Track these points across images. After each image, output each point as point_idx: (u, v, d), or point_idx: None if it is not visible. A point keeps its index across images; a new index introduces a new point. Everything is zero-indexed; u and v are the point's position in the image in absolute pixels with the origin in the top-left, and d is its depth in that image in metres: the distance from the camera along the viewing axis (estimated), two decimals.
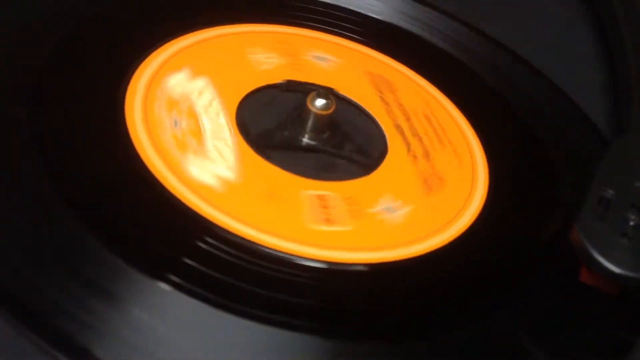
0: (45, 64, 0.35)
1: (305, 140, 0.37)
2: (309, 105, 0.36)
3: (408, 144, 0.37)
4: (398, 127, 0.38)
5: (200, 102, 0.36)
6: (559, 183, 0.38)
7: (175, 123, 0.34)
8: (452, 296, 0.31)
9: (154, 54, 0.37)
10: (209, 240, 0.30)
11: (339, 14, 0.44)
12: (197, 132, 0.34)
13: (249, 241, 0.30)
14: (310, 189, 0.33)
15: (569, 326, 0.31)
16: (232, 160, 0.34)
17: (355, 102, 0.39)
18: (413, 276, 0.31)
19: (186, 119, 0.35)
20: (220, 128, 0.35)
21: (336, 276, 0.30)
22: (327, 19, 0.43)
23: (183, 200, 0.31)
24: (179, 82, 0.37)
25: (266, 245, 0.30)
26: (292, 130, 0.37)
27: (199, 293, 0.27)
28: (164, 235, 0.30)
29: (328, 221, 0.32)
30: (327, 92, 0.37)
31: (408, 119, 0.39)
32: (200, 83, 0.37)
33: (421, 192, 0.35)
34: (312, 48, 0.41)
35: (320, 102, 0.36)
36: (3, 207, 0.28)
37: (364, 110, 0.39)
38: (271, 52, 0.40)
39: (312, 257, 0.30)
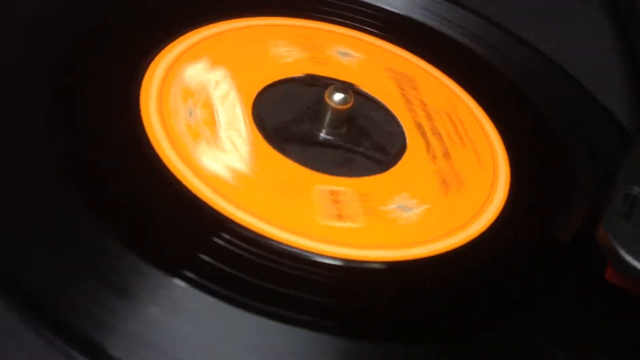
0: (64, 55, 0.34)
1: (322, 135, 0.36)
2: (327, 99, 0.36)
3: (428, 143, 0.37)
4: (419, 125, 0.37)
5: (217, 93, 0.36)
6: (581, 181, 0.38)
7: (190, 113, 0.34)
8: (471, 297, 0.31)
9: (172, 44, 0.37)
10: (224, 236, 0.29)
11: (360, 8, 0.44)
12: (212, 123, 0.34)
13: (264, 237, 0.30)
14: (324, 184, 0.33)
15: (593, 327, 0.30)
16: (246, 152, 0.33)
17: (376, 98, 0.39)
18: (432, 275, 0.31)
19: (201, 109, 0.34)
20: (236, 119, 0.35)
21: (353, 274, 0.30)
22: (348, 13, 0.43)
23: (199, 195, 0.30)
24: (196, 72, 0.36)
25: (282, 241, 0.30)
26: (309, 124, 0.36)
27: (214, 290, 0.27)
28: (178, 231, 0.29)
29: (340, 217, 0.32)
30: (346, 86, 0.37)
31: (429, 117, 0.38)
32: (219, 74, 0.37)
33: (439, 191, 0.34)
34: (335, 43, 0.41)
35: (338, 96, 0.36)
36: (18, 202, 0.28)
37: (384, 106, 0.38)
38: (293, 46, 0.40)
39: (329, 255, 0.30)
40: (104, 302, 0.26)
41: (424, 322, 0.29)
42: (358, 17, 0.43)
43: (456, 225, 0.33)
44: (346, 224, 0.31)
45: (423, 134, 0.37)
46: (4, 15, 0.35)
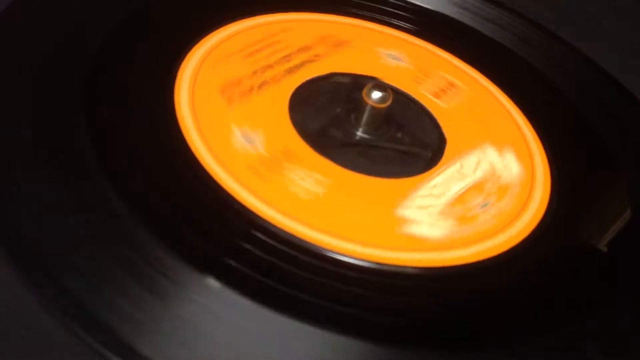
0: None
1: (357, 132, 0.35)
2: (364, 97, 0.35)
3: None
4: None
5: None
6: (627, 187, 0.36)
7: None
8: (511, 306, 0.30)
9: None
10: (257, 235, 0.29)
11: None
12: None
13: (297, 237, 0.29)
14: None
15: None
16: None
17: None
18: (473, 283, 0.30)
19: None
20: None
21: (386, 278, 0.29)
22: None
23: (234, 195, 0.30)
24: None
25: (315, 242, 0.29)
26: (343, 115, 0.36)
27: (246, 289, 0.26)
28: (212, 230, 0.29)
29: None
30: (385, 85, 0.36)
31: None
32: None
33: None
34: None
35: (376, 94, 0.35)
36: (50, 197, 0.28)
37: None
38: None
39: (359, 257, 0.29)
40: (135, 300, 0.25)
41: (465, 331, 0.28)
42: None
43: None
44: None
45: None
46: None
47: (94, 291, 0.25)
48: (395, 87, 0.38)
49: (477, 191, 0.34)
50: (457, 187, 0.34)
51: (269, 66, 0.37)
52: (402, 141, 0.36)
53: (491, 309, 0.29)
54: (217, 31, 0.38)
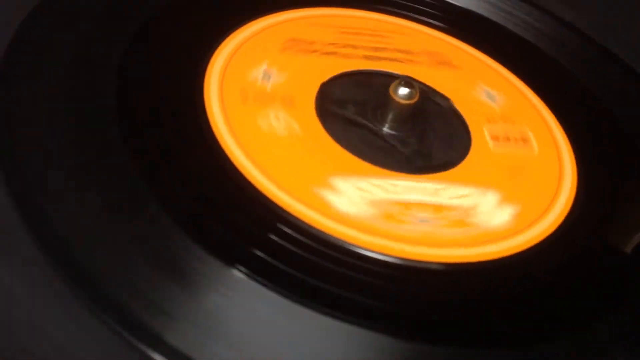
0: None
1: (383, 128, 0.36)
2: (391, 93, 0.35)
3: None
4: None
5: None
6: None
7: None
8: (533, 304, 0.30)
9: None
10: (283, 229, 0.29)
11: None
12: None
13: (323, 232, 0.29)
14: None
15: None
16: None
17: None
18: (497, 279, 0.30)
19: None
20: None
21: (410, 273, 0.29)
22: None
23: (260, 188, 0.30)
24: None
25: (339, 236, 0.29)
26: (370, 111, 0.36)
27: (271, 281, 0.27)
28: (239, 222, 0.29)
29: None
30: (412, 81, 0.36)
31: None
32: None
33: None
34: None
35: (403, 90, 0.35)
36: (81, 190, 0.28)
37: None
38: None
39: (386, 252, 0.29)
40: (162, 291, 0.25)
41: (482, 328, 0.28)
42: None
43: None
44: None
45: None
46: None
47: (124, 283, 0.25)
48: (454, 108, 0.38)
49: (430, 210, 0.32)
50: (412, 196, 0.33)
51: (353, 46, 0.38)
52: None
53: (512, 308, 0.29)
54: None
